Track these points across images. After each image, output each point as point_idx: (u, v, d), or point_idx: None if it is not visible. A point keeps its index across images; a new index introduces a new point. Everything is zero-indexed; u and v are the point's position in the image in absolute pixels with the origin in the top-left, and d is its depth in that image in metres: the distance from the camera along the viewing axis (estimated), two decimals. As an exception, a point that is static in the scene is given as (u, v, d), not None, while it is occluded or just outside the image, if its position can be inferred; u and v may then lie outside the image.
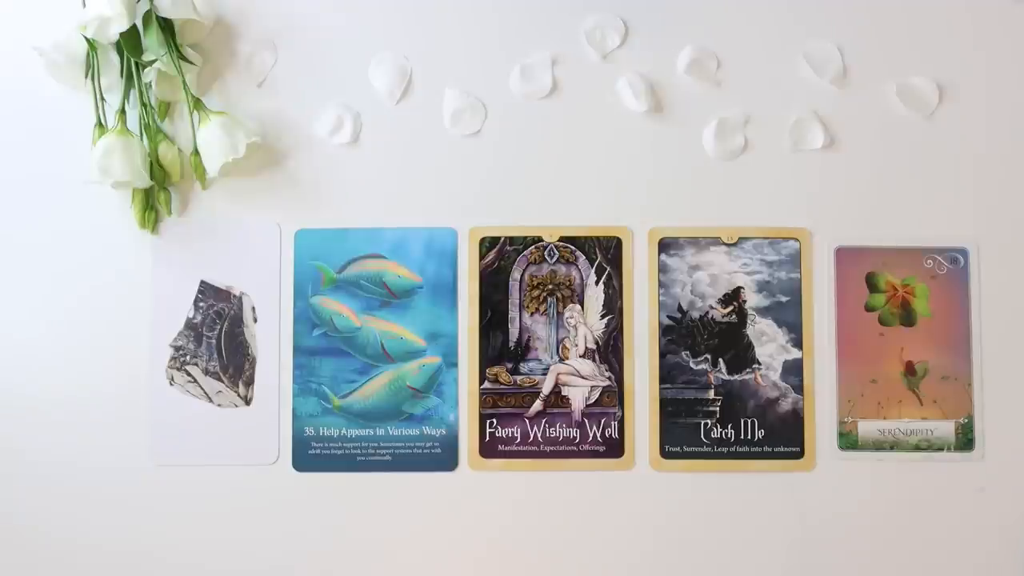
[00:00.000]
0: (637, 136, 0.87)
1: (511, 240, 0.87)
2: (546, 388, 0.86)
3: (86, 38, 0.83)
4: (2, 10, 0.88)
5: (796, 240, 0.87)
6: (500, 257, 0.87)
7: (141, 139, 0.84)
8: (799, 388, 0.86)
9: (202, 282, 0.87)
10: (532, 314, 0.87)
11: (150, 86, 0.85)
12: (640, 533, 0.85)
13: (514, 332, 0.87)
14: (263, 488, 0.85)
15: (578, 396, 0.86)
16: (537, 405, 0.86)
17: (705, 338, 0.86)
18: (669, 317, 0.86)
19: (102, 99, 0.84)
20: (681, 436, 0.86)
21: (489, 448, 0.86)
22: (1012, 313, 0.86)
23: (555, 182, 0.87)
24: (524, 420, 0.86)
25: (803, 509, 0.85)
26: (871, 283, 0.86)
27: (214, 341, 0.86)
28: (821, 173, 0.87)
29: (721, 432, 0.86)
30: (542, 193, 0.87)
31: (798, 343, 0.86)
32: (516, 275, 0.87)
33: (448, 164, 0.87)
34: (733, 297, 0.87)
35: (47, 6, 0.87)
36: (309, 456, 0.86)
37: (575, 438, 0.86)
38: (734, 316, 0.87)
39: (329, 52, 0.88)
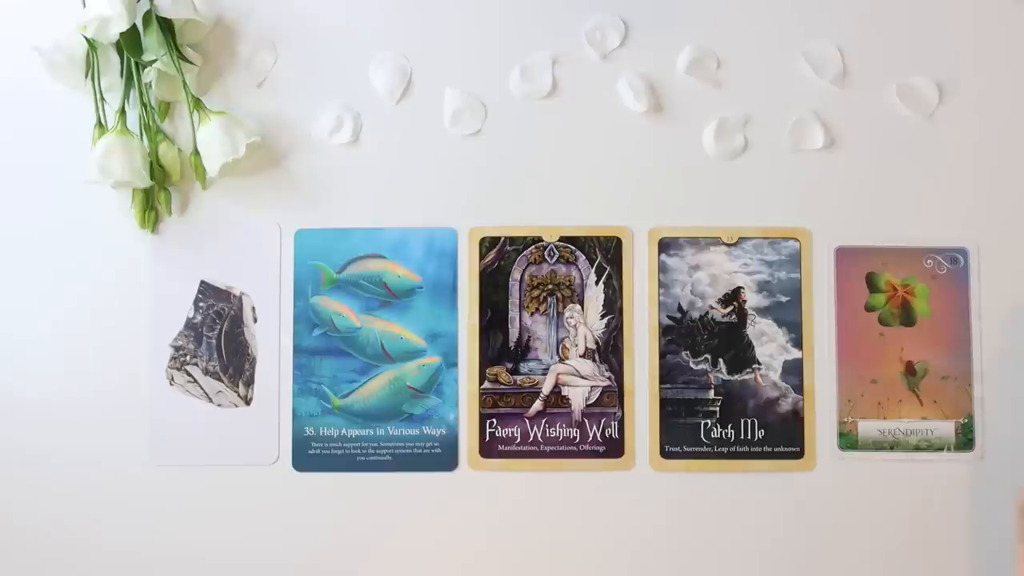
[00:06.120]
0: (637, 136, 0.87)
1: (511, 240, 0.87)
2: (546, 388, 0.86)
3: (86, 38, 0.83)
4: (2, 10, 0.88)
5: (796, 240, 0.87)
6: (500, 257, 0.87)
7: (141, 139, 0.84)
8: (799, 388, 0.86)
9: (202, 282, 0.87)
10: (532, 314, 0.87)
11: (150, 86, 0.85)
12: (640, 533, 0.85)
13: (514, 332, 0.87)
14: (263, 488, 0.85)
15: (578, 396, 0.86)
16: (537, 405, 0.86)
17: (705, 338, 0.86)
18: (669, 317, 0.86)
19: (102, 99, 0.84)
20: (681, 436, 0.86)
21: (489, 448, 0.86)
22: (1012, 313, 0.86)
23: (555, 182, 0.87)
24: (524, 420, 0.86)
25: (803, 509, 0.85)
26: (871, 283, 0.86)
27: (214, 341, 0.86)
28: (821, 173, 0.87)
29: (721, 432, 0.86)
30: (542, 193, 0.87)
31: (798, 343, 0.86)
32: (516, 275, 0.87)
33: (448, 164, 0.87)
34: (733, 297, 0.87)
35: (47, 6, 0.87)
36: (309, 456, 0.86)
37: (575, 438, 0.86)
38: (734, 316, 0.87)
39: (329, 52, 0.88)
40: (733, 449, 0.86)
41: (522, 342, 0.87)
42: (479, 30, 0.88)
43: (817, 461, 0.86)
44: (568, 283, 0.87)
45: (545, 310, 0.87)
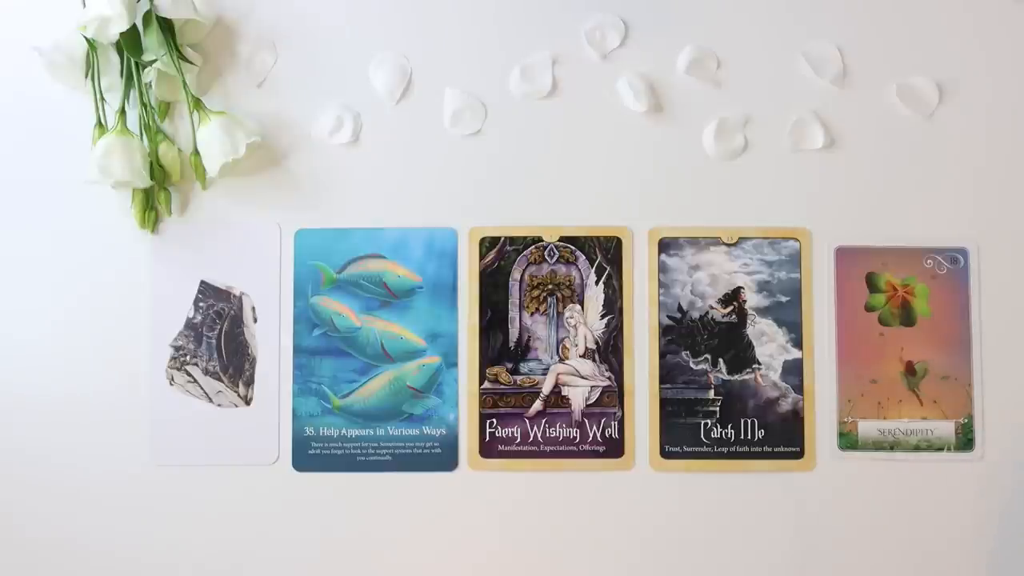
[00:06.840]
0: (637, 136, 0.87)
1: (511, 240, 0.87)
2: (546, 388, 0.86)
3: (86, 38, 0.83)
4: (2, 10, 0.88)
5: (796, 240, 0.87)
6: (500, 257, 0.87)
7: (141, 139, 0.84)
8: (799, 388, 0.86)
9: (202, 282, 0.87)
10: (532, 314, 0.87)
11: (150, 86, 0.85)
12: (640, 533, 0.85)
13: (514, 332, 0.87)
14: (263, 488, 0.85)
15: (578, 396, 0.86)
16: (537, 405, 0.86)
17: (705, 338, 0.86)
18: (669, 317, 0.86)
19: (102, 99, 0.84)
20: (681, 436, 0.86)
21: (489, 448, 0.86)
22: (1012, 313, 0.86)
23: (555, 182, 0.87)
24: (524, 420, 0.86)
25: (803, 509, 0.85)
26: (871, 283, 0.86)
27: (214, 341, 0.86)
28: (821, 173, 0.87)
29: (721, 432, 0.86)
30: (542, 193, 0.87)
31: (798, 343, 0.86)
32: (516, 275, 0.87)
33: (448, 164, 0.87)
34: (733, 297, 0.87)
35: (47, 6, 0.87)
36: (309, 456, 0.86)
37: (575, 438, 0.86)
38: (734, 316, 0.87)
39: (329, 52, 0.88)
40: (733, 449, 0.86)
41: (522, 342, 0.87)
42: (479, 30, 0.88)
43: (817, 461, 0.86)
44: (568, 283, 0.87)
45: (545, 310, 0.87)
